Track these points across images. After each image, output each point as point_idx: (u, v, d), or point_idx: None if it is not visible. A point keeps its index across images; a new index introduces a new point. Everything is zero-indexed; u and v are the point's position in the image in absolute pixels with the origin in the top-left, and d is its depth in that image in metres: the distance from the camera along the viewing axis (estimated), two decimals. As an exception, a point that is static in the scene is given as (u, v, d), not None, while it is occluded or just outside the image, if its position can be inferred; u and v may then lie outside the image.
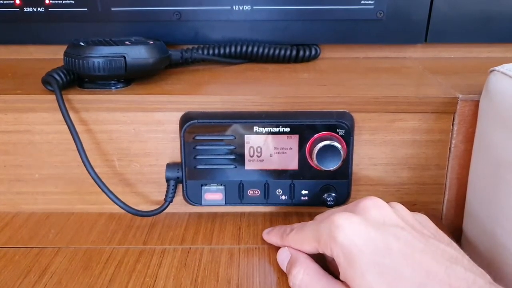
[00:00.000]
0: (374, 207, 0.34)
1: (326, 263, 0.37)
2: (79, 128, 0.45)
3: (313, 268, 0.35)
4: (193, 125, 0.44)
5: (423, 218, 0.36)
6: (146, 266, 0.40)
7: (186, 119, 0.44)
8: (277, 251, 0.40)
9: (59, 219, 0.47)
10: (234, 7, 0.58)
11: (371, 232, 0.32)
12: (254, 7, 0.58)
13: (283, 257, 0.38)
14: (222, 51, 0.57)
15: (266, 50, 0.57)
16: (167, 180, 0.46)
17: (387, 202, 0.36)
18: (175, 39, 0.60)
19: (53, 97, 0.44)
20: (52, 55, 0.62)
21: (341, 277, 0.32)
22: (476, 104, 0.43)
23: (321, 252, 0.35)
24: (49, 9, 0.58)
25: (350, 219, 0.33)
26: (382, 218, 0.33)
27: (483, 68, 0.43)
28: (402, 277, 0.30)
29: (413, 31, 0.60)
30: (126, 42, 0.47)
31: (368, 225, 0.32)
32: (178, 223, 0.47)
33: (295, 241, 0.38)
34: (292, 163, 0.45)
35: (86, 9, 0.58)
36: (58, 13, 0.58)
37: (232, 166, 0.45)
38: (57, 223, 0.47)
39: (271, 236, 0.42)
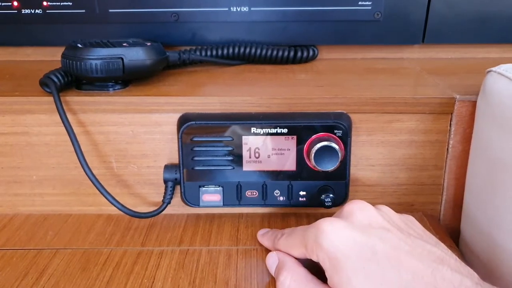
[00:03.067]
0: (359, 210, 0.34)
1: (315, 267, 0.37)
2: (76, 129, 0.45)
3: (300, 273, 0.35)
4: (190, 126, 0.44)
5: (410, 219, 0.36)
6: (144, 268, 0.40)
7: (183, 120, 0.44)
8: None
9: (57, 221, 0.47)
10: (232, 8, 0.58)
11: (356, 236, 0.32)
12: (251, 9, 0.58)
13: (270, 262, 0.38)
14: (219, 52, 0.57)
15: (263, 51, 0.58)
16: (165, 181, 0.46)
17: (375, 205, 0.36)
18: (173, 41, 0.60)
19: (50, 98, 0.44)
20: (50, 57, 0.63)
21: (328, 282, 0.33)
22: (474, 104, 0.44)
23: (308, 257, 0.35)
24: (47, 11, 0.58)
25: (335, 224, 0.33)
26: (368, 221, 0.34)
27: (480, 68, 0.43)
28: (388, 281, 0.30)
29: (411, 32, 0.60)
30: (124, 44, 0.47)
31: (353, 229, 0.32)
32: (176, 224, 0.47)
33: (285, 246, 0.38)
34: (290, 164, 0.45)
35: (83, 10, 0.58)
36: (56, 15, 0.58)
37: (230, 167, 0.45)
38: (55, 224, 0.47)
39: (264, 239, 0.42)
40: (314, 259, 0.34)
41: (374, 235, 0.32)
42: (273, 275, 0.38)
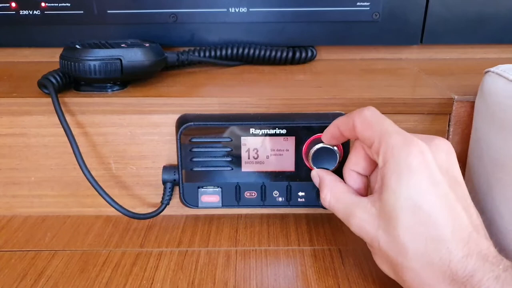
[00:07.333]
0: (445, 152, 0.34)
1: None
2: (75, 131, 0.45)
3: (339, 188, 0.38)
4: (189, 127, 0.44)
5: None
6: (143, 269, 0.40)
7: (182, 121, 0.44)
8: (274, 251, 0.40)
9: (55, 222, 0.47)
10: (230, 9, 0.58)
11: (436, 172, 0.32)
12: (250, 9, 0.58)
13: (314, 180, 0.41)
14: (218, 53, 0.57)
15: (262, 52, 0.58)
16: (164, 182, 0.46)
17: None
18: (172, 42, 0.60)
19: (49, 100, 0.44)
20: (48, 58, 0.62)
21: (381, 172, 0.33)
22: (472, 105, 0.44)
23: (359, 136, 0.36)
24: (45, 12, 0.58)
25: (427, 148, 0.33)
26: (447, 165, 0.33)
27: (478, 69, 0.44)
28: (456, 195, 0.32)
29: (409, 33, 0.60)
30: (122, 45, 0.47)
31: (436, 168, 0.32)
32: (175, 225, 0.47)
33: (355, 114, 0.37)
34: (289, 165, 0.45)
35: (82, 11, 0.58)
36: (54, 16, 0.58)
37: (229, 168, 0.45)
38: (53, 226, 0.47)
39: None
40: (374, 146, 0.34)
41: (446, 180, 0.32)
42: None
